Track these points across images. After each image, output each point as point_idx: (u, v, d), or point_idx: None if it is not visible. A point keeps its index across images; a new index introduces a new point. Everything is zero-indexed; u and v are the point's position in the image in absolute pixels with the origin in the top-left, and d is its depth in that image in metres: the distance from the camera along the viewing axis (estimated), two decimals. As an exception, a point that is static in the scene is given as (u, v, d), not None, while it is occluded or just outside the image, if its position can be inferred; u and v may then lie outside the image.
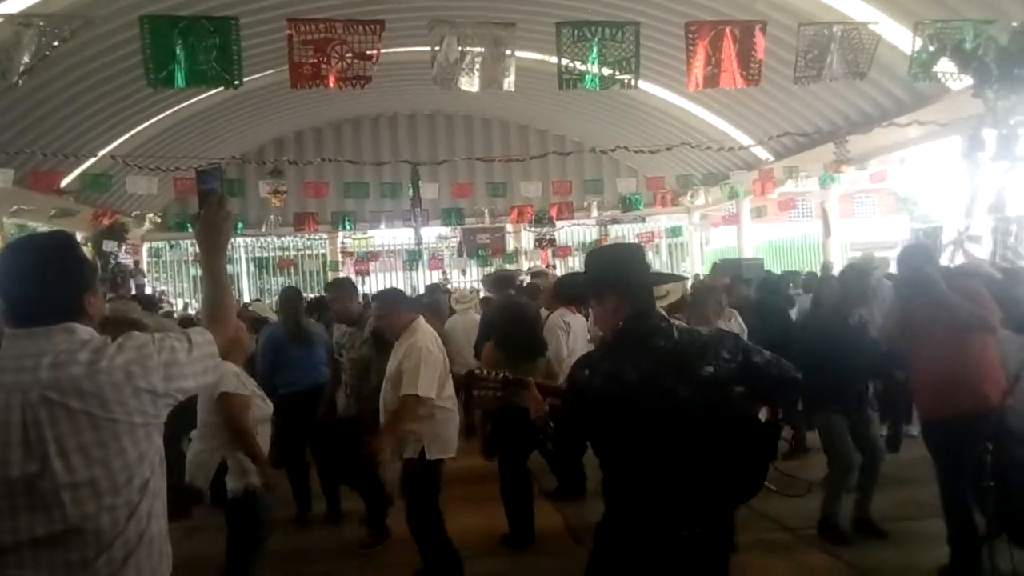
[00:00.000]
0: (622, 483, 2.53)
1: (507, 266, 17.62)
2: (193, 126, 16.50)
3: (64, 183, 14.07)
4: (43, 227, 17.69)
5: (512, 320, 5.96)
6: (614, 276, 2.67)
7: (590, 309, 2.94)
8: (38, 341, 1.93)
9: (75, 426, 1.87)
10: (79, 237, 17.63)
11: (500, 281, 8.66)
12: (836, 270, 9.15)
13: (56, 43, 6.07)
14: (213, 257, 2.27)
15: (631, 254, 2.84)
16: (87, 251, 17.49)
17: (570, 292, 2.97)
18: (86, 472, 1.88)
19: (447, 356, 8.12)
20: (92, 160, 14.00)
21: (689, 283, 13.22)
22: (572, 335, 6.41)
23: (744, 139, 15.74)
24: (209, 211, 2.26)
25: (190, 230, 18.04)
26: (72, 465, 1.87)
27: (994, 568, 4.05)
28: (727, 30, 7.41)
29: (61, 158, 12.58)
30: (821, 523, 5.34)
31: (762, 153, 16.52)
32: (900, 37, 9.94)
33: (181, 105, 15.08)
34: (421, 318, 4.99)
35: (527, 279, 10.97)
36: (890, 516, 5.51)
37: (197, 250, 2.36)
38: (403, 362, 4.67)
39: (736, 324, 6.65)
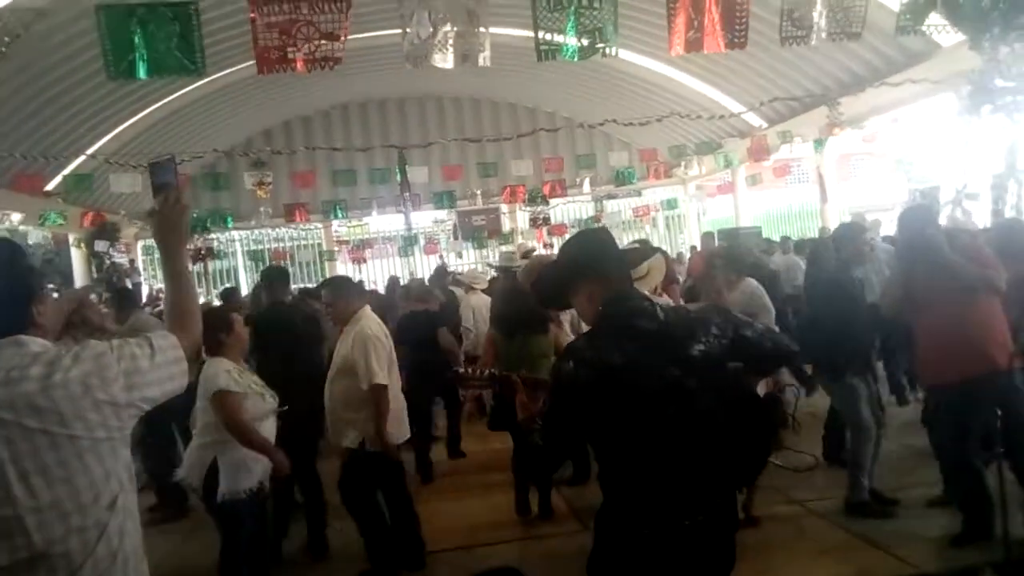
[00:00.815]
0: (618, 472, 2.42)
1: (503, 247, 17.46)
2: (178, 121, 16.30)
3: (51, 185, 13.93)
4: (33, 230, 17.56)
5: (506, 299, 5.95)
6: (583, 263, 2.54)
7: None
8: None
9: (33, 446, 1.77)
10: (71, 239, 17.50)
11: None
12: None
13: (8, 39, 5.87)
14: (172, 255, 2.15)
15: (596, 237, 2.71)
16: (80, 252, 17.41)
17: (549, 297, 2.76)
18: (49, 494, 1.78)
19: (476, 337, 8.23)
20: (80, 159, 13.84)
21: (687, 256, 13.10)
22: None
23: (735, 106, 15.55)
24: (165, 206, 2.14)
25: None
26: (34, 488, 1.77)
27: (1007, 533, 3.98)
28: (710, -9, 7.17)
29: (42, 160, 12.43)
30: (849, 501, 5.15)
31: (754, 120, 16.34)
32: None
33: (164, 101, 14.90)
34: (367, 307, 5.08)
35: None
36: (899, 484, 5.43)
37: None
38: (352, 352, 4.73)
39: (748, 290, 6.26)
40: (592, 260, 2.53)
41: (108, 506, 1.87)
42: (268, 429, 4.19)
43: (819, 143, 14.18)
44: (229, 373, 4.06)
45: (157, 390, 1.96)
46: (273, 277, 6.29)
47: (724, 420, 2.35)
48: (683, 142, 17.26)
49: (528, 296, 5.88)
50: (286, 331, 5.62)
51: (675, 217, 23.12)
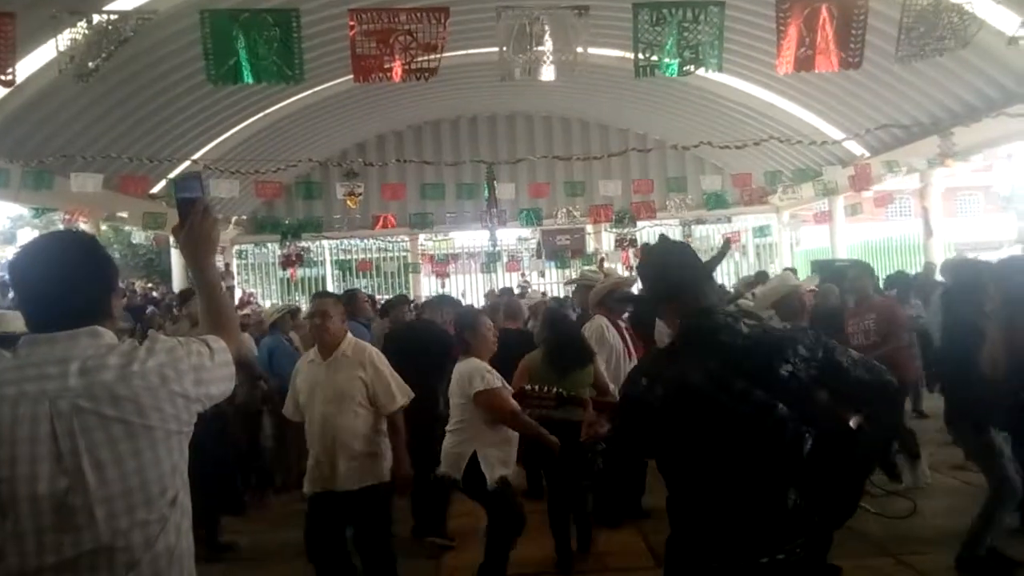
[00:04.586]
0: (689, 499, 2.24)
1: (585, 267, 17.30)
2: (279, 131, 16.86)
3: (156, 189, 14.61)
4: (136, 231, 18.41)
5: (562, 329, 5.68)
6: (662, 280, 2.41)
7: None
8: (60, 346, 1.83)
9: (110, 435, 1.77)
10: (171, 241, 18.27)
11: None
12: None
13: (112, 46, 6.10)
14: (204, 267, 2.16)
15: (670, 251, 2.53)
16: (179, 254, 18.16)
17: (646, 322, 2.63)
18: (121, 484, 1.78)
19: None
20: (185, 164, 14.47)
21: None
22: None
23: (835, 133, 15.00)
24: (193, 220, 2.13)
25: (276, 232, 18.55)
26: (107, 477, 1.77)
27: None
28: (823, 7, 6.87)
29: (148, 163, 13.03)
30: (962, 556, 4.62)
31: (856, 148, 15.72)
32: (1006, 22, 9.27)
33: (267, 111, 15.44)
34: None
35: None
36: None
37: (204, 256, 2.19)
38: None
39: None
40: (668, 276, 2.40)
41: (170, 502, 1.87)
42: None
43: (932, 162, 13.41)
44: (491, 372, 4.49)
45: (216, 388, 1.99)
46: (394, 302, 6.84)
47: (813, 450, 2.13)
48: (779, 168, 16.76)
49: (576, 324, 5.69)
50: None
51: (766, 245, 22.48)
